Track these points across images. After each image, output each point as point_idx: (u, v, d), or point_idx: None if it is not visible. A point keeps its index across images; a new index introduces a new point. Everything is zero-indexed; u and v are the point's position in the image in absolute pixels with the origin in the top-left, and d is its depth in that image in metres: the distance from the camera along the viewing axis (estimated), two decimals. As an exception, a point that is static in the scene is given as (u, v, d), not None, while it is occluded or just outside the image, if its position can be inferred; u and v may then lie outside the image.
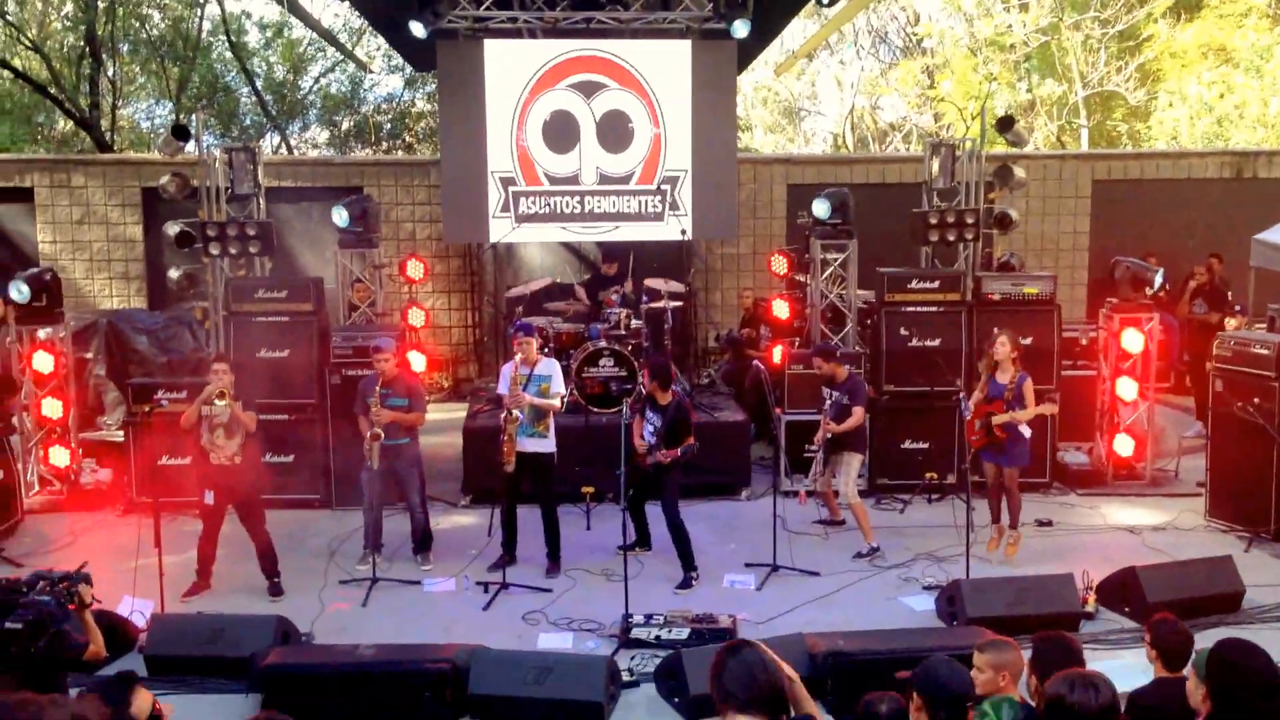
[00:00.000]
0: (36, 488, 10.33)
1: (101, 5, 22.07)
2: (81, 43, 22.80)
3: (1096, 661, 5.30)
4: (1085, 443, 10.96)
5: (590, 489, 9.24)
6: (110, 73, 23.69)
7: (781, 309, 11.72)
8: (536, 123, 12.48)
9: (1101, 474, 10.65)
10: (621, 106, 12.55)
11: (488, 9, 12.01)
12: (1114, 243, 14.27)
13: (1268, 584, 7.84)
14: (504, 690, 6.12)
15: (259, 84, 25.64)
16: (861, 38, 29.76)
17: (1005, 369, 8.30)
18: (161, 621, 6.89)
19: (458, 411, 11.97)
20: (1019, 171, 11.82)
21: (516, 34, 12.51)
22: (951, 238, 11.20)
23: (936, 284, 10.50)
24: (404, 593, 8.02)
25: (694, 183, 12.62)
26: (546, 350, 10.06)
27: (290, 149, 25.93)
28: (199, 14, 24.71)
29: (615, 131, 12.57)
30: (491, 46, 12.40)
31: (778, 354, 10.79)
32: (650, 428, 8.20)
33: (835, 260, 11.30)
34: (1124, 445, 10.53)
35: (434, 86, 18.90)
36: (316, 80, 27.24)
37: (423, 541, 8.68)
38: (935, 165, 11.55)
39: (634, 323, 10.80)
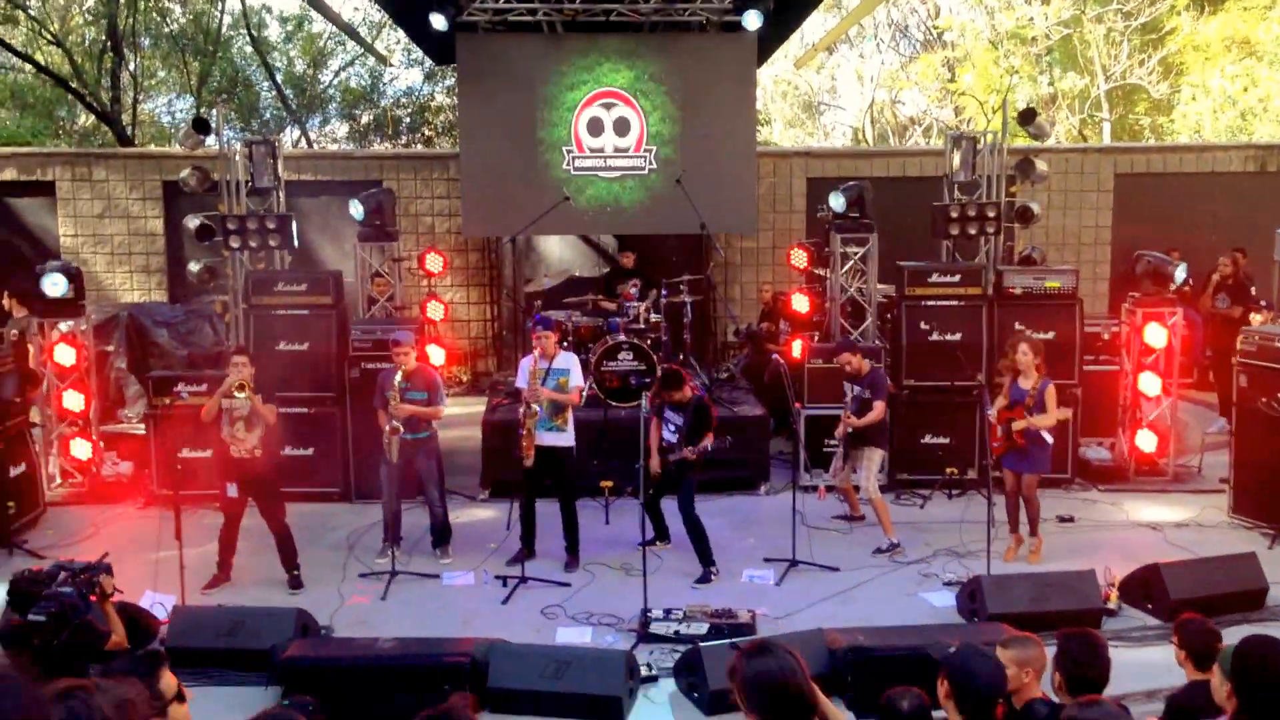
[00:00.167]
0: (58, 480, 10.41)
1: (123, 0, 22.18)
2: (103, 37, 22.93)
3: (1120, 658, 5.25)
4: (1107, 438, 10.88)
5: (609, 483, 9.22)
6: (131, 67, 23.83)
7: (801, 303, 11.66)
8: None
9: (1124, 470, 10.58)
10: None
11: (508, 2, 12.00)
12: (1136, 237, 14.12)
13: (1292, 581, 7.76)
14: (523, 684, 6.13)
15: (279, 78, 25.74)
16: (882, 31, 29.55)
17: (1028, 374, 8.22)
18: (182, 614, 6.93)
19: (476, 405, 11.98)
20: (1040, 165, 11.73)
21: (536, 28, 12.51)
22: (972, 231, 11.13)
23: (957, 278, 10.44)
24: (423, 586, 8.03)
25: (713, 177, 12.57)
26: (566, 344, 10.06)
27: (310, 143, 26.00)
28: (220, 8, 24.83)
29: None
30: (511, 40, 12.41)
31: (797, 348, 10.75)
32: (671, 427, 8.20)
33: (855, 254, 11.24)
34: (1146, 441, 10.47)
35: (454, 80, 18.90)
36: (336, 74, 27.30)
37: (442, 535, 8.69)
38: (956, 159, 11.50)
39: (653, 317, 10.78)
